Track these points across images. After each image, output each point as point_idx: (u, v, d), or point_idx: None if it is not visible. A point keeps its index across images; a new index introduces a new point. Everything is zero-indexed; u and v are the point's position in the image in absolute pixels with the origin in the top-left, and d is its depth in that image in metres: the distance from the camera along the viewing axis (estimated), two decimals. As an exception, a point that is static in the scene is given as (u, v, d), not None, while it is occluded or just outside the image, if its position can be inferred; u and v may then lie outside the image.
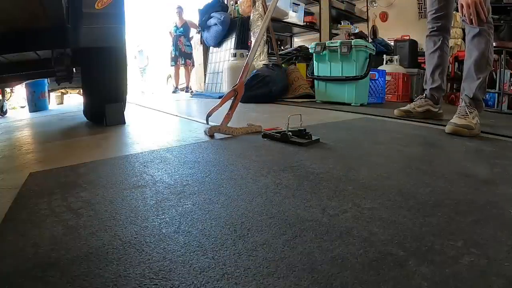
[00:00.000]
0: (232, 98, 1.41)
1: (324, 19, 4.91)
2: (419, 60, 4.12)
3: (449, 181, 0.79)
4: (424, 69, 2.03)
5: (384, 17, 6.58)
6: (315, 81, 3.00)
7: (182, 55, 5.67)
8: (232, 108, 1.40)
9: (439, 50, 1.82)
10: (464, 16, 1.43)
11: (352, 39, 3.84)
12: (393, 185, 0.76)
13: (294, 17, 4.50)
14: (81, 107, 2.21)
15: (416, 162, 0.98)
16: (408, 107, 1.89)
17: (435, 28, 1.81)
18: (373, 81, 3.02)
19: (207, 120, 1.46)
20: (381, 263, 0.45)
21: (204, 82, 4.85)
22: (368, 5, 5.97)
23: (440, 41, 1.81)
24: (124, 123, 1.84)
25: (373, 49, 2.83)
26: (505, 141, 1.33)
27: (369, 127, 1.65)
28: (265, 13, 4.01)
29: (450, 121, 1.43)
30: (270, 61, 3.95)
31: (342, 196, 0.69)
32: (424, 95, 1.90)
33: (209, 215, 0.61)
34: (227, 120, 1.36)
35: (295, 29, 5.06)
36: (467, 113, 1.43)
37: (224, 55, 4.39)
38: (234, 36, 4.23)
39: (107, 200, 0.70)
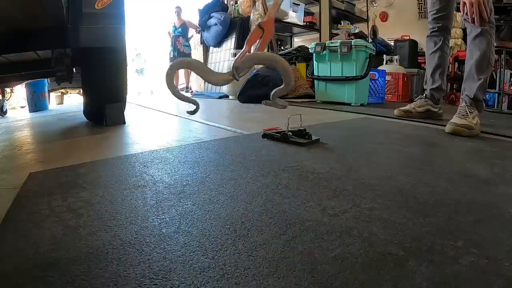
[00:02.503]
0: (259, 39, 1.06)
1: (324, 19, 4.91)
2: (419, 60, 4.12)
3: (449, 181, 0.79)
4: (424, 69, 2.03)
5: (384, 17, 6.58)
6: (315, 81, 3.00)
7: (180, 55, 5.67)
8: (259, 49, 1.07)
9: (439, 50, 1.81)
10: (466, 15, 1.43)
11: (352, 39, 3.84)
12: (393, 185, 0.76)
13: (294, 17, 4.51)
14: (81, 107, 2.21)
15: (416, 162, 0.98)
16: (408, 107, 1.88)
17: (436, 29, 1.80)
18: (373, 81, 3.03)
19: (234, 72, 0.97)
20: (381, 263, 0.45)
21: (204, 82, 4.85)
22: (368, 5, 5.97)
23: (441, 41, 1.80)
24: (124, 123, 1.84)
25: (373, 49, 2.83)
26: (505, 141, 1.33)
27: (369, 127, 1.65)
28: (265, 13, 4.01)
29: (450, 121, 1.43)
30: (270, 61, 3.94)
31: (342, 196, 0.69)
32: (424, 95, 1.89)
33: (209, 215, 0.61)
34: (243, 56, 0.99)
35: (295, 29, 5.06)
36: (467, 113, 1.42)
37: (224, 55, 4.40)
38: (234, 36, 4.24)
39: (107, 200, 0.70)
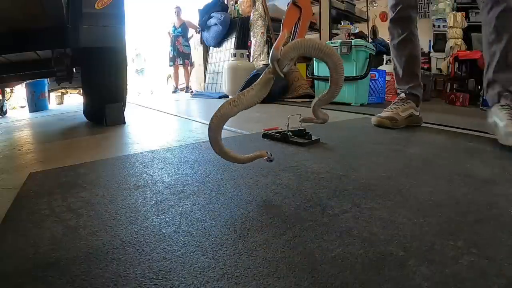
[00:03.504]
0: (297, 21, 0.83)
1: (324, 19, 4.91)
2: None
3: (449, 181, 0.79)
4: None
5: (384, 17, 6.57)
6: (315, 81, 3.01)
7: (180, 55, 5.68)
8: (300, 33, 0.84)
9: (410, 35, 1.45)
10: None
11: (352, 39, 3.84)
12: (393, 185, 0.75)
13: (294, 17, 4.50)
14: (81, 107, 2.22)
15: (416, 162, 0.98)
16: (390, 112, 1.48)
17: (401, 6, 1.41)
18: (373, 81, 3.03)
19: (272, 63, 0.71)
20: (381, 263, 0.45)
21: (204, 82, 4.86)
22: (368, 5, 5.98)
23: (409, 23, 1.45)
24: (124, 123, 1.84)
25: (373, 49, 2.84)
26: (505, 141, 1.33)
27: (369, 127, 1.65)
28: (265, 13, 4.02)
29: (501, 124, 1.11)
30: (270, 61, 3.94)
31: (342, 196, 0.69)
32: (403, 95, 1.54)
33: (209, 215, 0.61)
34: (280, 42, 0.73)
35: (295, 29, 5.06)
36: None
37: (224, 55, 4.40)
38: (234, 36, 4.24)
39: (107, 200, 0.70)
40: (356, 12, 5.69)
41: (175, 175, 0.85)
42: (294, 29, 0.81)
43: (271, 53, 0.69)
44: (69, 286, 0.42)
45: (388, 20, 1.52)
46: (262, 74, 0.71)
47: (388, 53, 4.20)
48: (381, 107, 1.69)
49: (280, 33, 0.75)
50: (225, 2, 4.72)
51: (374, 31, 5.84)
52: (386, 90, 3.35)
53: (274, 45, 0.70)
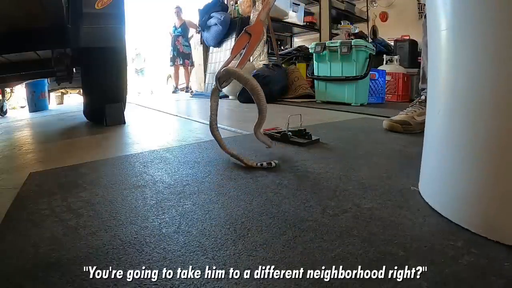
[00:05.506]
0: (246, 44, 1.00)
1: (324, 19, 4.92)
2: (418, 60, 4.12)
3: (449, 181, 0.79)
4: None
5: (384, 17, 6.58)
6: (315, 81, 3.01)
7: (180, 55, 5.68)
8: (245, 54, 1.00)
9: None
10: None
11: (352, 39, 3.84)
12: (393, 185, 0.76)
13: (294, 17, 4.51)
14: (81, 107, 2.22)
15: (416, 162, 0.98)
16: (404, 116, 1.40)
17: None
18: (373, 81, 3.03)
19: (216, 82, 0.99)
20: (381, 263, 0.45)
21: (204, 82, 4.86)
22: (368, 5, 5.98)
23: None
24: (124, 123, 1.84)
25: (373, 49, 2.83)
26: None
27: (369, 127, 1.65)
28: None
29: None
30: (270, 61, 3.95)
31: (342, 196, 0.69)
32: (424, 97, 1.42)
33: (209, 215, 0.61)
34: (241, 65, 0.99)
35: (295, 29, 5.07)
36: None
37: (224, 55, 4.39)
38: (234, 36, 4.23)
39: (107, 200, 0.70)
40: (356, 12, 5.70)
41: (175, 175, 0.85)
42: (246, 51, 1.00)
43: (217, 72, 0.95)
44: (69, 286, 0.42)
45: (423, 16, 1.34)
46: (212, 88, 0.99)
47: (388, 53, 4.20)
48: (381, 107, 1.69)
49: (228, 57, 0.98)
50: (225, 2, 4.72)
51: (374, 31, 5.84)
52: (386, 90, 3.35)
53: (220, 67, 0.96)
